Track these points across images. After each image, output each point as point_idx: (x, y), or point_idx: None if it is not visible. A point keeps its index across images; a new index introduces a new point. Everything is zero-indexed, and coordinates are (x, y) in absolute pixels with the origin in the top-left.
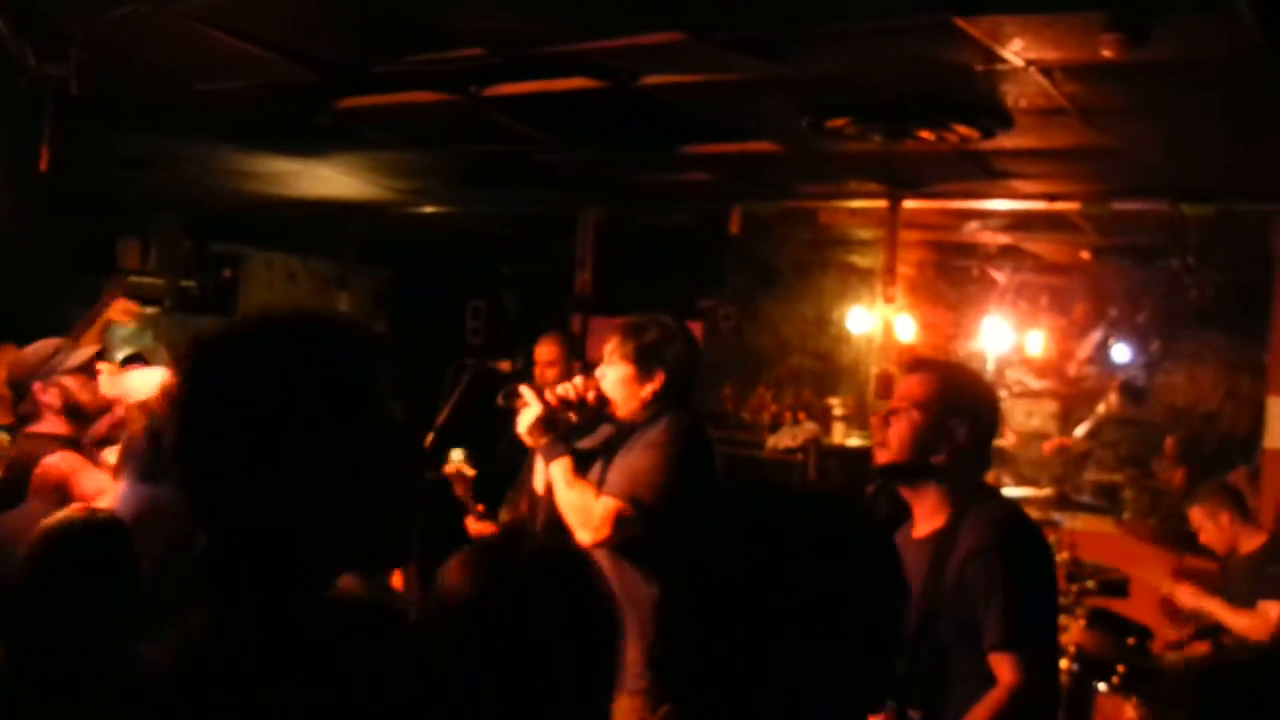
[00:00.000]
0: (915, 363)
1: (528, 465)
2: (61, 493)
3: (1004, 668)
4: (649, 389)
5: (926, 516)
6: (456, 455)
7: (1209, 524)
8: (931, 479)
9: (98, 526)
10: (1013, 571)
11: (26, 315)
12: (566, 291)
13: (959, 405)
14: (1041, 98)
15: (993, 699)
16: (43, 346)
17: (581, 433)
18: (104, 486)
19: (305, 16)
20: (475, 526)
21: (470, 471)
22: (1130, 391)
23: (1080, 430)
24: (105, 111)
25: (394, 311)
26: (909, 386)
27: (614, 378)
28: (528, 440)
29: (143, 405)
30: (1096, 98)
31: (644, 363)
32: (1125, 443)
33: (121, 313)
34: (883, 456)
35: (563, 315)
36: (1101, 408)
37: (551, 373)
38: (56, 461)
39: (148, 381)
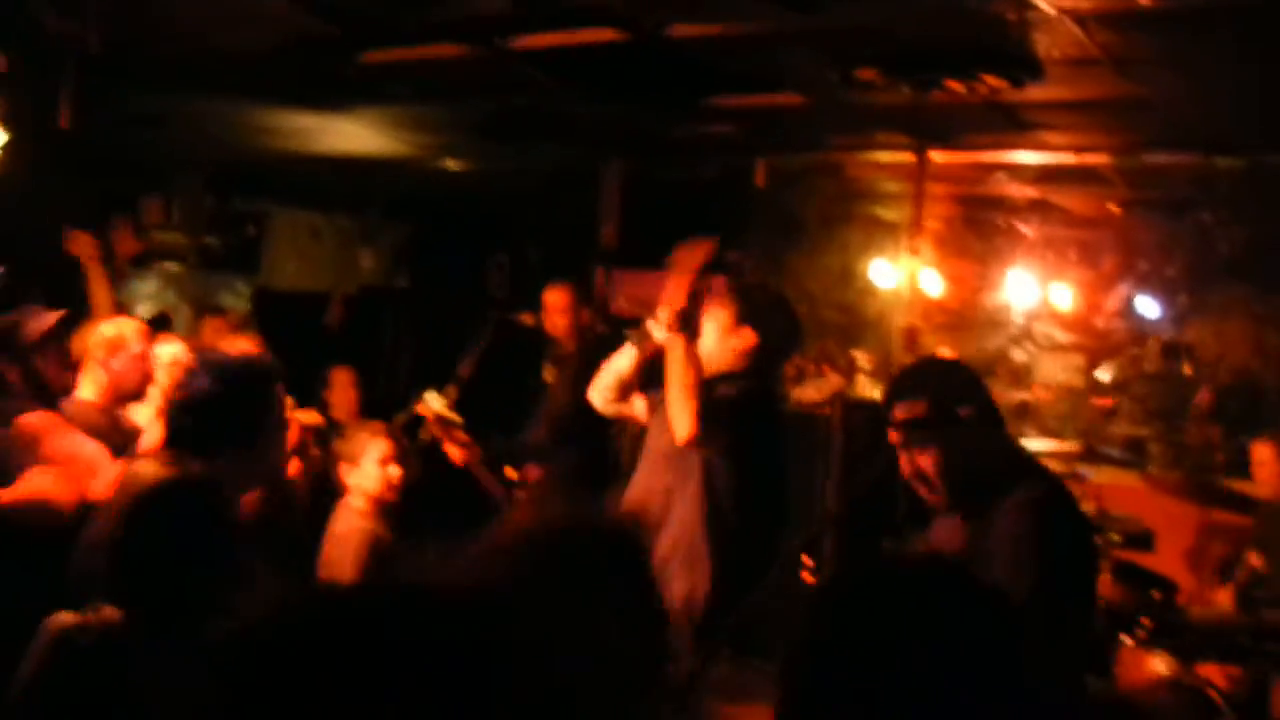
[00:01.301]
0: (892, 394)
1: (543, 410)
2: (34, 452)
3: None
4: (739, 344)
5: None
6: (432, 398)
7: (1272, 463)
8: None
9: (195, 483)
10: (1047, 556)
11: (48, 274)
12: (590, 245)
13: (958, 401)
14: (1074, 47)
15: None
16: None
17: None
18: (78, 449)
19: None
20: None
21: (454, 416)
22: (1172, 351)
23: (1103, 375)
24: (124, 68)
25: (417, 266)
26: (902, 425)
27: (711, 327)
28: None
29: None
30: (1129, 47)
31: (741, 319)
32: (1154, 397)
33: (127, 246)
34: (935, 500)
35: (586, 269)
36: (1145, 364)
37: (562, 320)
38: (32, 420)
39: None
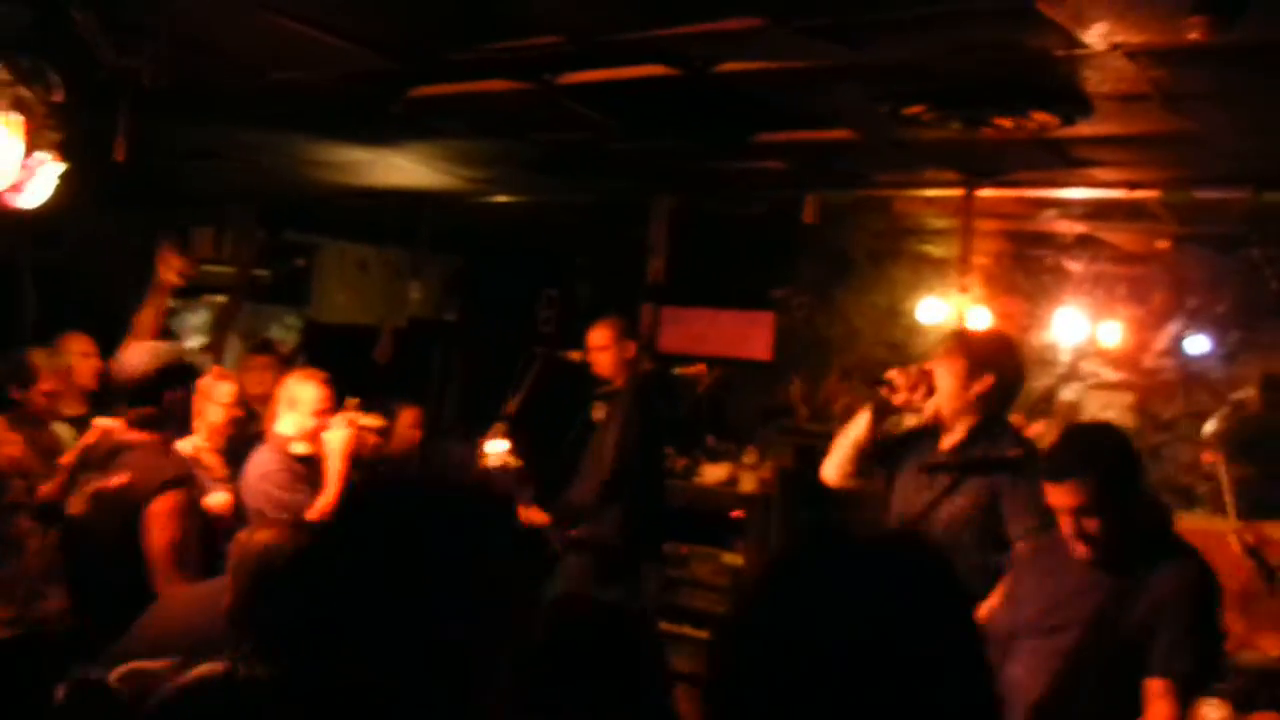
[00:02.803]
0: (1062, 470)
1: (590, 453)
2: None
3: (1164, 695)
4: (978, 389)
5: None
6: (492, 446)
7: None
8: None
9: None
10: (1206, 616)
11: (102, 305)
12: (638, 281)
13: (1126, 487)
14: (1124, 83)
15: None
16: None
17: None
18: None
19: (380, 4)
20: (526, 514)
21: (516, 462)
22: (1276, 388)
23: (1209, 428)
24: (179, 103)
25: (466, 300)
26: (1079, 496)
27: (947, 378)
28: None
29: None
30: (1180, 82)
31: (975, 365)
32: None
33: (174, 271)
34: (1098, 556)
35: (634, 305)
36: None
37: (604, 357)
38: None
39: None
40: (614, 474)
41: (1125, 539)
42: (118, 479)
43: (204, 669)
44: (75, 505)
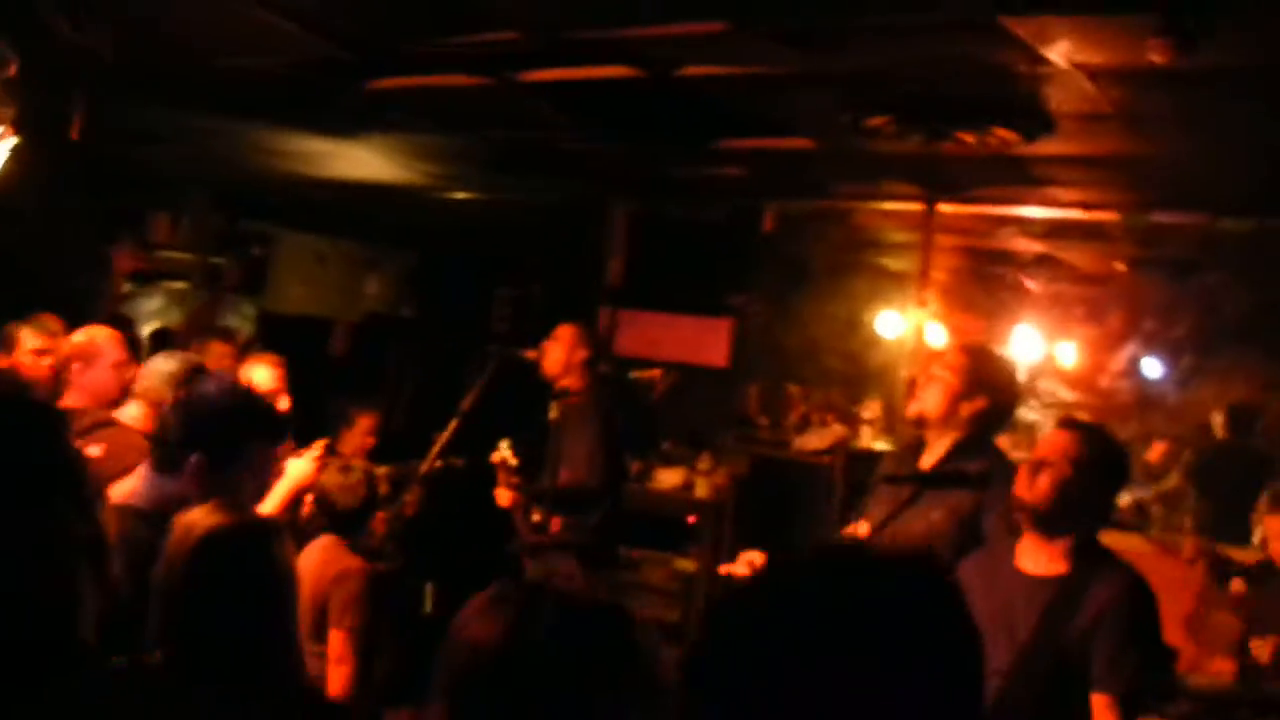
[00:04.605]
0: (1070, 421)
1: (552, 452)
2: None
3: (1108, 710)
4: (968, 409)
5: (1046, 558)
6: (504, 445)
7: None
8: (1069, 532)
9: (252, 530)
10: (1146, 626)
11: (55, 287)
12: (594, 283)
13: (1108, 472)
14: (1085, 102)
15: None
16: None
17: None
18: None
19: None
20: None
21: (515, 460)
22: (1240, 416)
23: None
24: (136, 82)
25: (422, 296)
26: (1066, 444)
27: (937, 389)
28: None
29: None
30: (1141, 104)
31: (970, 383)
32: (1223, 470)
33: (129, 262)
34: (1029, 498)
35: (590, 307)
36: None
37: (555, 356)
38: None
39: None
40: (589, 465)
41: (1064, 518)
42: (93, 449)
43: None
44: None
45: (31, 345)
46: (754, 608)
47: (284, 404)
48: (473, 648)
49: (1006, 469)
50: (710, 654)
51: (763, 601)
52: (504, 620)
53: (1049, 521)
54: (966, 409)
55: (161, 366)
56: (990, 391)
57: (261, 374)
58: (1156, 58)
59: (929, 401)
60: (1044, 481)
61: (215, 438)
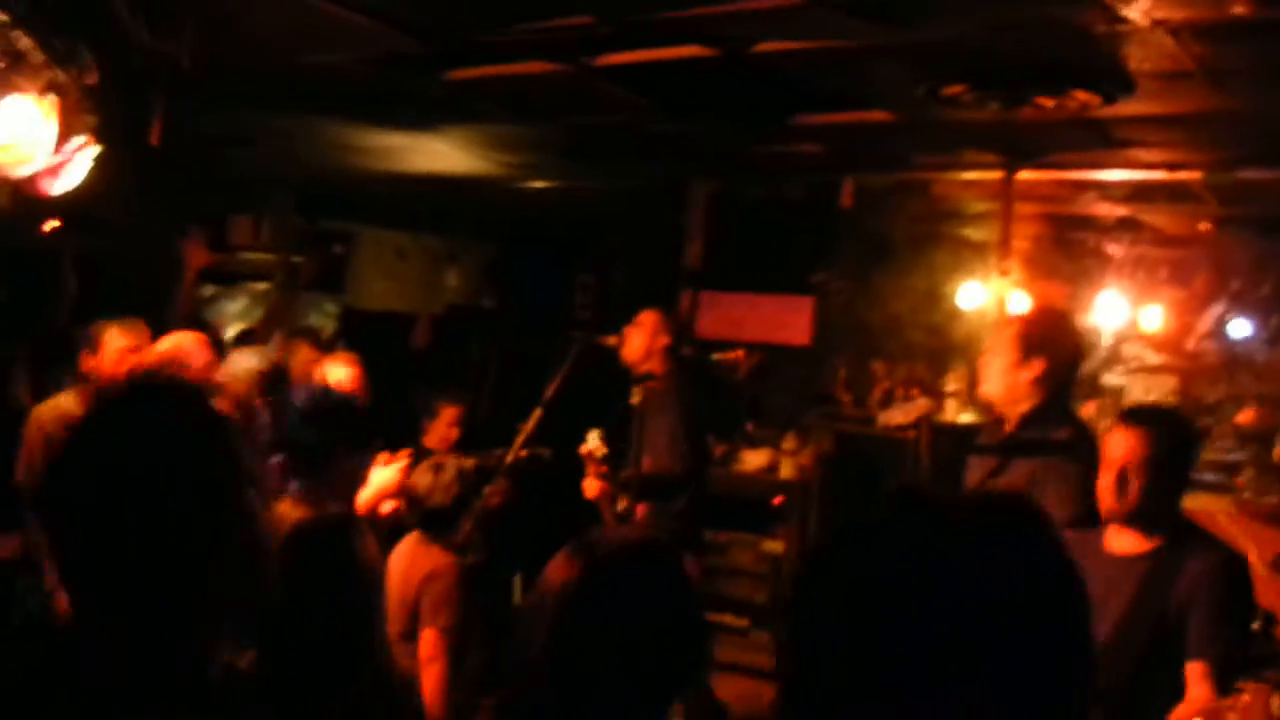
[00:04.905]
0: (1132, 414)
1: (635, 440)
2: None
3: (1203, 679)
4: (1029, 374)
5: (1133, 541)
6: (593, 436)
7: None
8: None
9: (333, 524)
10: (1240, 597)
11: (141, 293)
12: (675, 266)
13: (1185, 459)
14: (1167, 60)
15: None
16: None
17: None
18: None
19: None
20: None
21: (603, 450)
22: None
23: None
24: (215, 85)
25: (503, 286)
26: (1137, 444)
27: (993, 366)
28: None
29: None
30: (1223, 59)
31: (1024, 349)
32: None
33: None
34: (1120, 508)
35: (672, 290)
36: None
37: (638, 341)
38: None
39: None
40: (674, 449)
41: (1158, 511)
42: None
43: None
44: None
45: (118, 345)
46: (872, 539)
47: (362, 401)
48: (544, 591)
49: (1089, 443)
50: (826, 583)
51: (877, 536)
52: (575, 564)
53: (1138, 519)
54: (1026, 375)
55: (242, 363)
56: (1047, 352)
57: (340, 372)
58: (1240, 9)
59: (990, 381)
60: (1132, 490)
61: (301, 444)
